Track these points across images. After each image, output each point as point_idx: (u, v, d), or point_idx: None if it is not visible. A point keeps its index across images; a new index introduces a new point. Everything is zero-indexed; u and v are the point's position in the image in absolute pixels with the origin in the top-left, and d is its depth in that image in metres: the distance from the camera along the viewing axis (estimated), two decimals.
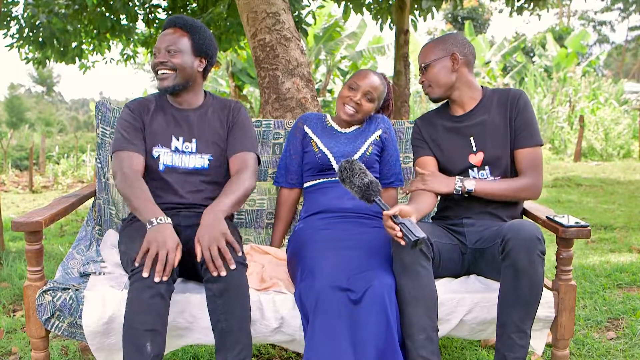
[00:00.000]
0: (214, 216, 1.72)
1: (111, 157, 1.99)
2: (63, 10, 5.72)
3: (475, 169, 2.00)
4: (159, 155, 1.97)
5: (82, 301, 1.72)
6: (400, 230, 1.64)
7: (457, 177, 1.96)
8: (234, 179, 1.92)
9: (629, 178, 7.50)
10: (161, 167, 1.97)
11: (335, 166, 2.17)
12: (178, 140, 1.99)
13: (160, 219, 1.69)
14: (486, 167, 1.99)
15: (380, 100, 2.24)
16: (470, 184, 1.93)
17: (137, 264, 1.62)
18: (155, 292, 1.58)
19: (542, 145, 1.99)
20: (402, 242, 1.65)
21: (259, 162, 2.06)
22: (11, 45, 5.89)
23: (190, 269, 1.78)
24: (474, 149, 2.00)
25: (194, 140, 2.00)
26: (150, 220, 1.69)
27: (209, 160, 2.01)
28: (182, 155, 1.99)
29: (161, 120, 2.00)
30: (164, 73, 1.95)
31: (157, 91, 2.04)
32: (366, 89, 2.15)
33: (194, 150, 2.00)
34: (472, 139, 2.00)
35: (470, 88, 2.02)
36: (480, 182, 1.95)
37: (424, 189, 1.96)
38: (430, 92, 2.02)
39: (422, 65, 2.01)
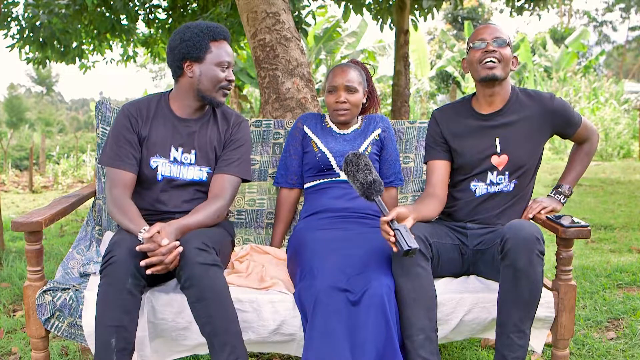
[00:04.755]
0: (169, 226, 1.72)
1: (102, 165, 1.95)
2: (63, 11, 5.72)
3: (495, 172, 1.97)
4: (157, 166, 1.93)
5: (82, 301, 1.72)
6: (394, 237, 1.64)
7: (553, 192, 2.07)
8: (208, 205, 1.89)
9: (629, 178, 7.49)
10: (159, 178, 1.94)
11: (335, 166, 2.18)
12: (177, 150, 1.95)
13: (144, 228, 1.71)
14: (506, 173, 1.96)
15: (364, 83, 2.21)
16: (566, 189, 2.06)
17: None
18: (121, 287, 1.59)
19: (581, 120, 2.01)
20: (395, 249, 1.66)
21: (248, 180, 2.03)
22: (12, 46, 5.89)
23: None
24: (498, 151, 1.96)
25: (193, 151, 1.96)
26: (139, 232, 1.71)
27: (207, 173, 1.98)
28: (180, 166, 1.95)
29: (161, 129, 1.95)
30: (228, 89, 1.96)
31: (158, 92, 2.03)
32: (344, 84, 2.14)
33: (192, 162, 1.96)
34: (497, 139, 1.96)
35: (507, 89, 1.99)
36: (569, 179, 2.07)
37: (546, 211, 2.00)
38: (495, 68, 1.91)
39: (502, 38, 1.91)
